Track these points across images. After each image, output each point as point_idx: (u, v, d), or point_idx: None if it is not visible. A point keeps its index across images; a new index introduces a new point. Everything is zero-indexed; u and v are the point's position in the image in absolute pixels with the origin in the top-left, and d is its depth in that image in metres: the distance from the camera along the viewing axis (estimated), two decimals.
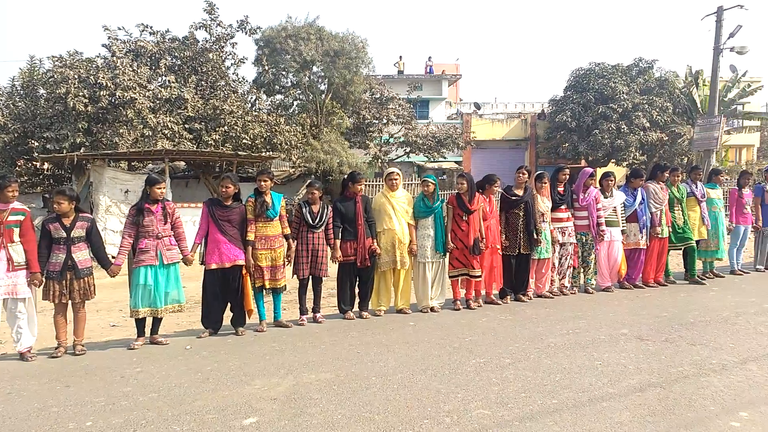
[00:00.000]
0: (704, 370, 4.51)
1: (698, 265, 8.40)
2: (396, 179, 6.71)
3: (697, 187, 8.40)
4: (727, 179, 12.12)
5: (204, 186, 17.59)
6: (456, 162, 27.70)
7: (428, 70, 32.82)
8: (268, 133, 17.56)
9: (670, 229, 8.01)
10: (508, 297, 7.13)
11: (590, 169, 7.83)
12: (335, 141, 19.01)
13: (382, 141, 22.79)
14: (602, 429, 3.53)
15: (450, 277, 6.90)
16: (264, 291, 6.11)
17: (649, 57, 26.23)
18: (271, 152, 17.53)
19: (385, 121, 22.35)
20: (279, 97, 21.08)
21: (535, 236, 7.03)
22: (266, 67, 19.41)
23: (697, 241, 8.30)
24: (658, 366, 4.64)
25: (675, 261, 8.60)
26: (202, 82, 17.78)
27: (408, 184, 19.40)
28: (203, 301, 6.06)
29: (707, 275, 8.50)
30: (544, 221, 7.18)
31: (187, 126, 16.70)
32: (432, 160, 23.59)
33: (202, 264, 5.95)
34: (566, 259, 7.46)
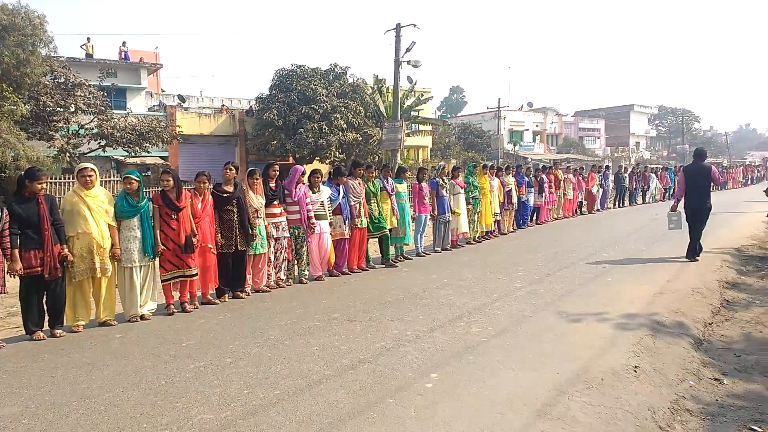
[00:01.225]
0: (402, 342, 5.16)
1: (391, 250, 9.55)
2: (90, 176, 5.96)
3: (388, 182, 9.51)
4: (410, 175, 14.00)
5: None
6: (161, 157, 25.95)
7: (123, 56, 29.90)
8: None
9: (369, 220, 8.92)
10: (226, 295, 7.01)
11: (302, 167, 8.19)
12: (7, 131, 15.85)
13: (70, 132, 19.94)
14: (321, 410, 3.75)
15: (163, 281, 6.45)
16: None
17: (343, 64, 28.66)
18: None
19: (72, 109, 19.56)
20: None
21: (250, 232, 7.05)
22: None
23: (390, 230, 9.42)
24: (366, 343, 5.13)
25: (373, 248, 9.62)
26: None
27: (106, 182, 17.42)
28: None
29: (399, 258, 9.73)
30: (258, 217, 7.25)
31: None
32: (133, 154, 21.58)
33: None
34: (281, 252, 7.68)
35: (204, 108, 31.88)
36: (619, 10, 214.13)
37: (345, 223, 8.49)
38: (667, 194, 24.24)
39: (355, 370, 4.47)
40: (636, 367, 4.59)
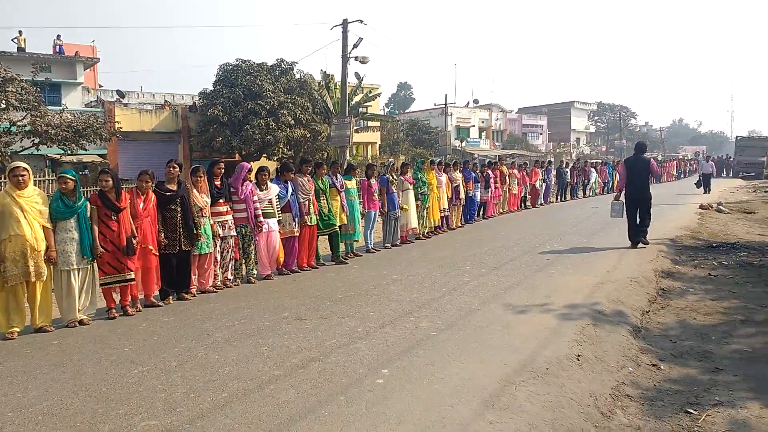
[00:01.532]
0: (353, 338, 5.16)
1: (341, 247, 9.51)
2: (23, 175, 5.66)
3: (337, 179, 9.47)
4: (359, 172, 14.01)
5: None
6: (100, 155, 24.91)
7: (57, 50, 28.56)
8: None
9: (318, 217, 8.85)
10: (170, 297, 6.80)
11: (248, 164, 8.04)
12: None
13: (2, 130, 18.89)
14: (271, 411, 3.70)
15: (102, 285, 6.21)
16: None
17: (290, 59, 28.22)
18: None
19: (3, 106, 18.53)
20: None
21: (195, 231, 6.87)
22: None
23: (340, 227, 9.38)
24: (316, 341, 5.10)
25: (323, 245, 9.56)
26: None
27: (40, 181, 16.59)
28: None
29: (349, 255, 9.71)
30: (203, 216, 7.08)
31: None
32: (69, 152, 20.61)
33: None
34: (228, 252, 7.52)
35: (144, 104, 30.83)
36: (559, 9, 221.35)
37: (294, 221, 8.40)
38: (606, 188, 25.21)
39: (305, 369, 4.44)
40: (579, 355, 4.75)
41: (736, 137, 45.48)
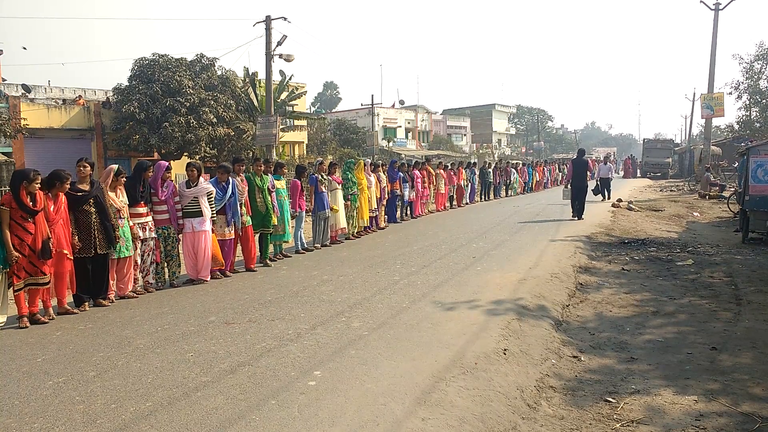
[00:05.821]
0: (284, 341, 5.07)
1: (270, 248, 9.32)
2: None
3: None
4: (286, 171, 13.77)
5: None
6: (4, 153, 23.16)
7: None
8: None
9: (251, 216, 8.63)
10: (86, 303, 6.42)
11: (166, 163, 7.68)
12: None
13: None
14: (199, 419, 3.58)
15: (17, 290, 5.76)
16: None
17: (210, 55, 27.31)
18: None
19: None
20: None
21: (112, 233, 6.51)
22: None
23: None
24: (245, 345, 4.98)
25: None
26: None
27: None
28: None
29: (278, 256, 9.54)
30: (121, 217, 6.73)
31: None
32: None
33: None
34: (148, 255, 7.19)
35: (52, 99, 28.92)
36: (480, 13, 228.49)
37: (229, 224, 8.11)
38: (526, 187, 26.25)
39: (234, 374, 4.32)
40: (505, 349, 4.91)
41: (644, 139, 48.32)
